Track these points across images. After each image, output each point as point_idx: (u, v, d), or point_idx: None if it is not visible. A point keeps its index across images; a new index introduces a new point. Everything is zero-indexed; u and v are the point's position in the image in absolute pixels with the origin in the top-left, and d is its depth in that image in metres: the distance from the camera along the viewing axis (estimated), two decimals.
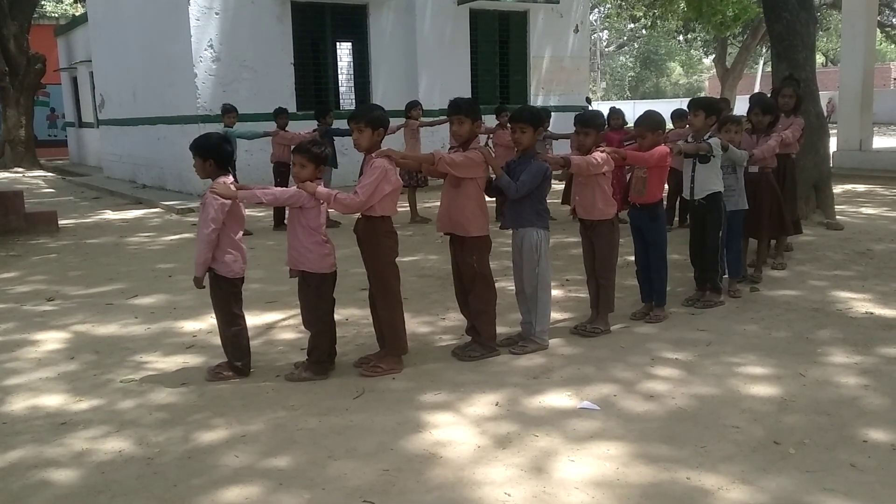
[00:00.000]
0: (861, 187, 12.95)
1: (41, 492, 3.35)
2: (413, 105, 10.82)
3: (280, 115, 10.43)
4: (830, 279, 6.68)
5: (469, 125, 4.79)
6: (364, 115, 4.58)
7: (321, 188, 4.47)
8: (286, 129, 10.36)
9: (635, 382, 4.42)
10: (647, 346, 5.06)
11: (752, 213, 6.31)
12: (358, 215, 4.67)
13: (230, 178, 4.57)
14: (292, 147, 4.72)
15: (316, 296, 4.61)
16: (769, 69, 13.83)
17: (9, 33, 22.77)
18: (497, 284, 5.05)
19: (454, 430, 3.84)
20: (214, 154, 4.54)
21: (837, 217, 9.41)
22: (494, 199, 6.47)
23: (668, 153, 5.41)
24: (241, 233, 4.67)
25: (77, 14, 30.13)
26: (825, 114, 10.23)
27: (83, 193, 16.37)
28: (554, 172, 5.03)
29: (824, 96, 16.00)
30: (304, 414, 4.09)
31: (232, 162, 4.84)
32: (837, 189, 10.63)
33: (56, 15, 33.43)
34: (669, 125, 9.26)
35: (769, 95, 7.24)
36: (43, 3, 34.44)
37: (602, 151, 5.12)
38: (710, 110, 5.87)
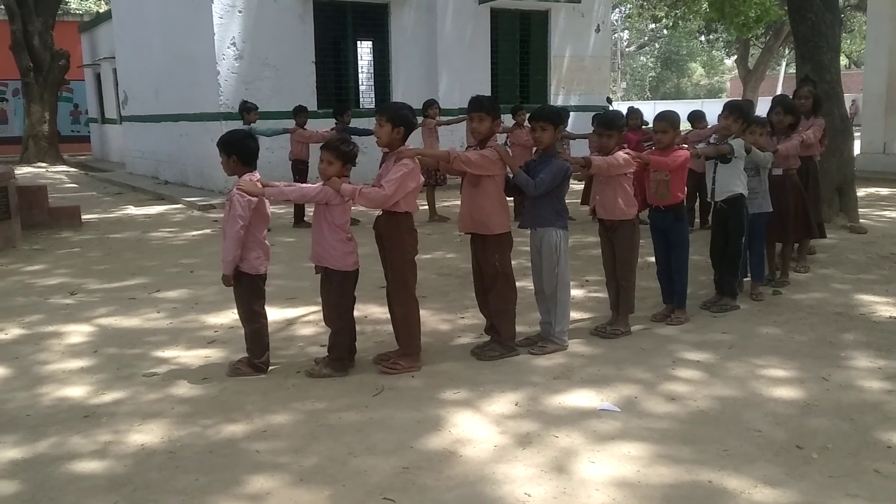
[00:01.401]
0: (885, 191, 12.83)
1: (65, 484, 3.38)
2: (430, 104, 10.80)
3: (299, 114, 10.47)
4: (854, 283, 6.62)
5: (489, 123, 4.76)
6: (387, 110, 4.61)
7: (346, 185, 4.47)
8: (305, 126, 10.40)
9: (656, 384, 4.40)
10: (669, 347, 5.04)
11: (777, 217, 6.25)
12: (378, 212, 4.68)
13: (256, 175, 4.59)
14: (321, 144, 4.72)
15: (338, 293, 4.62)
16: (792, 70, 13.72)
17: (34, 30, 23.04)
18: (517, 284, 5.05)
19: (474, 428, 3.84)
20: (236, 150, 4.56)
21: (861, 220, 9.32)
22: (512, 198, 6.45)
23: (689, 157, 5.39)
24: (266, 231, 4.69)
25: (101, 11, 30.43)
26: (849, 116, 10.12)
27: (106, 189, 16.52)
28: (574, 174, 5.02)
29: (848, 98, 15.84)
30: (324, 410, 4.11)
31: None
32: (861, 192, 10.52)
33: (80, 12, 33.81)
34: (687, 126, 9.24)
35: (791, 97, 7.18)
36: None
37: (626, 153, 5.10)
38: (746, 118, 5.85)
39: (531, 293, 5.28)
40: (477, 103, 4.79)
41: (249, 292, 4.65)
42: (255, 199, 4.48)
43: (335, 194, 4.46)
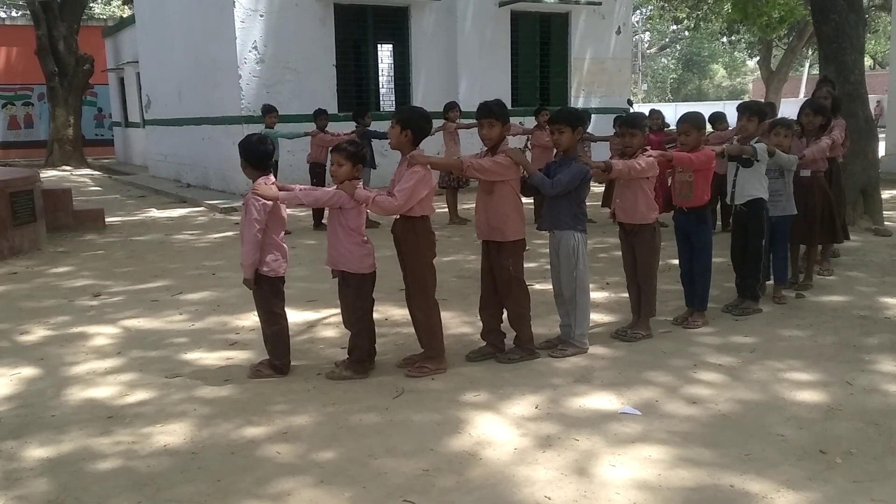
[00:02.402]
0: None
1: (89, 483, 3.42)
2: (451, 107, 10.82)
3: (319, 117, 10.51)
4: (878, 285, 6.54)
5: (499, 128, 4.71)
6: (398, 112, 4.67)
7: (360, 189, 4.48)
8: (326, 130, 10.44)
9: (678, 387, 4.38)
10: (690, 350, 5.01)
11: (803, 219, 6.19)
12: (396, 215, 4.69)
13: (272, 179, 4.61)
14: (331, 147, 4.74)
15: (356, 296, 4.63)
16: (815, 72, 13.60)
17: (58, 34, 23.35)
18: (537, 286, 5.04)
19: (494, 430, 3.84)
20: (244, 154, 4.58)
21: (886, 223, 9.22)
22: (532, 199, 6.41)
23: (713, 156, 5.35)
24: (283, 233, 4.72)
25: (125, 16, 30.75)
26: (873, 117, 10.02)
27: (129, 192, 16.70)
28: (595, 179, 5.00)
29: (872, 100, 15.63)
30: (344, 412, 4.12)
31: (274, 163, 4.88)
32: (886, 194, 10.39)
33: (104, 16, 34.17)
34: (708, 127, 9.17)
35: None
36: (92, 5, 35.19)
37: (649, 155, 5.07)
38: (762, 116, 5.80)
39: (551, 295, 5.26)
40: (485, 109, 4.73)
41: (269, 294, 4.68)
42: (269, 202, 4.50)
43: (349, 198, 4.47)
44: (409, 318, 4.89)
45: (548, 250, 5.13)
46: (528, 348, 4.91)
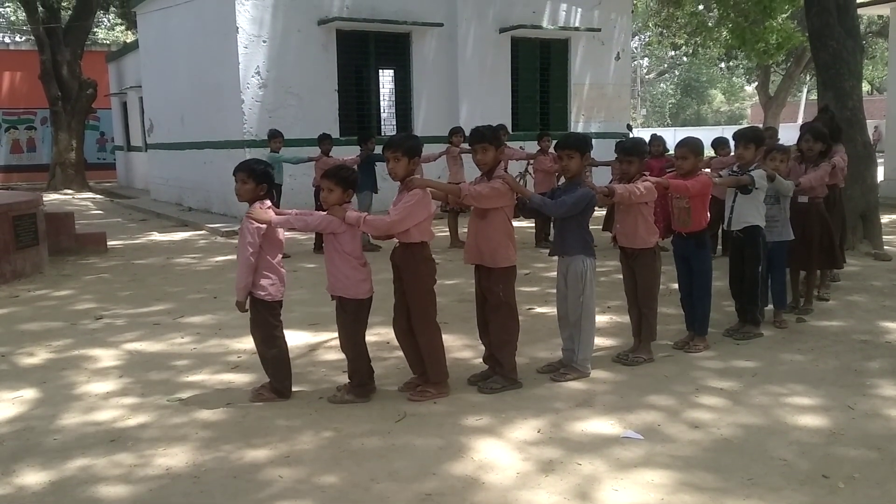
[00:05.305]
0: None
1: None
2: (455, 131, 10.88)
3: (323, 141, 10.57)
4: (878, 310, 6.55)
5: (493, 152, 4.69)
6: (402, 144, 4.56)
7: (350, 212, 4.47)
8: (329, 154, 10.49)
9: (680, 411, 4.38)
10: (692, 374, 5.01)
11: (802, 245, 6.22)
12: (395, 243, 4.69)
13: (267, 203, 4.62)
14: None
15: (353, 321, 4.63)
16: (813, 97, 13.68)
17: (62, 60, 23.54)
18: (538, 310, 5.04)
19: (497, 455, 3.84)
20: (260, 178, 4.58)
21: (885, 247, 9.24)
22: (533, 221, 6.40)
23: (709, 183, 5.39)
24: (280, 256, 4.73)
25: (128, 41, 31.01)
26: (871, 142, 10.08)
27: (131, 215, 16.74)
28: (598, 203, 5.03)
29: (870, 125, 15.72)
30: (346, 436, 4.12)
31: (277, 187, 4.90)
32: (885, 219, 10.43)
33: (108, 42, 34.46)
34: (710, 153, 9.23)
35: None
36: (95, 30, 35.48)
37: (646, 181, 5.11)
38: (759, 142, 5.84)
39: (555, 318, 5.26)
40: (478, 135, 4.72)
41: (264, 318, 4.67)
42: (263, 226, 4.51)
43: (339, 223, 4.46)
44: (399, 343, 4.86)
45: (548, 274, 5.15)
46: (511, 377, 4.82)
